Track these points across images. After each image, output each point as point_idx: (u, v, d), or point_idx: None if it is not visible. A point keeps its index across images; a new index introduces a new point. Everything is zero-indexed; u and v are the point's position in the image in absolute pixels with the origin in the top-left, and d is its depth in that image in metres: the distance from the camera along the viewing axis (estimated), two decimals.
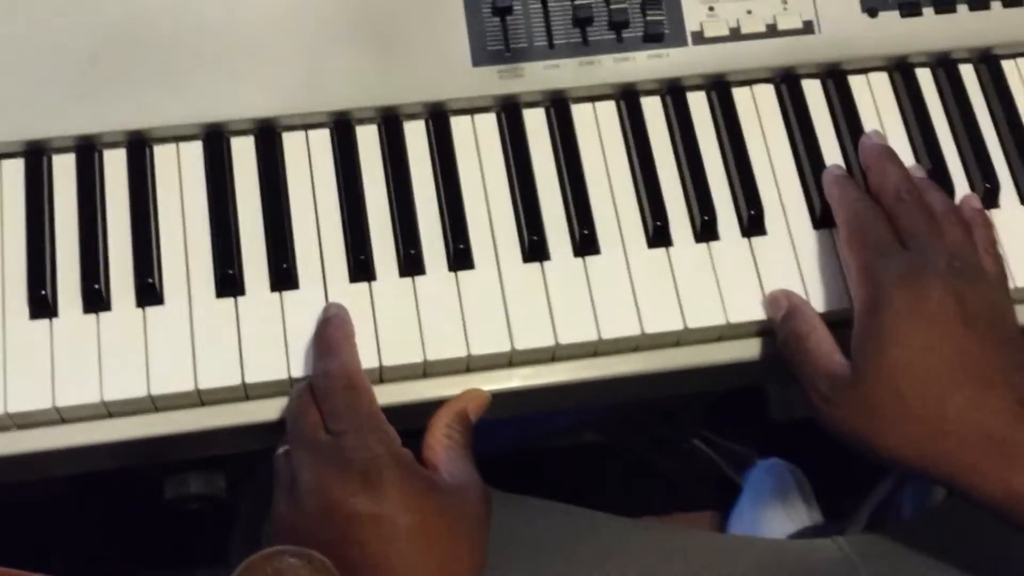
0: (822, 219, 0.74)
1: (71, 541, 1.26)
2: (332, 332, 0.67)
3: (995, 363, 0.64)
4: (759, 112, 0.77)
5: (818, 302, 0.72)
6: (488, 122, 0.75)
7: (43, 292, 0.69)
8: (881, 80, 0.79)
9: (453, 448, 0.67)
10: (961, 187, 0.76)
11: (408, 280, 0.71)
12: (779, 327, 0.70)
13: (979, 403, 0.64)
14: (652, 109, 0.77)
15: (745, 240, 0.74)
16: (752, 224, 0.74)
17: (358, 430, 0.63)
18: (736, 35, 0.77)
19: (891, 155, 0.73)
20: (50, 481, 0.75)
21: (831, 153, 0.76)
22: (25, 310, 0.69)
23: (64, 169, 0.73)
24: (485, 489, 0.66)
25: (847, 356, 0.67)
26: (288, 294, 0.70)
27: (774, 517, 1.33)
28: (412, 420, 0.67)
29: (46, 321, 0.69)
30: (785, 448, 1.36)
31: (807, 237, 0.74)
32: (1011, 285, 0.72)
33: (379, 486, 0.62)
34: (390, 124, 0.74)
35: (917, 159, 0.77)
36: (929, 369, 0.64)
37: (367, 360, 0.68)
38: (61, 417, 0.68)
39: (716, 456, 1.39)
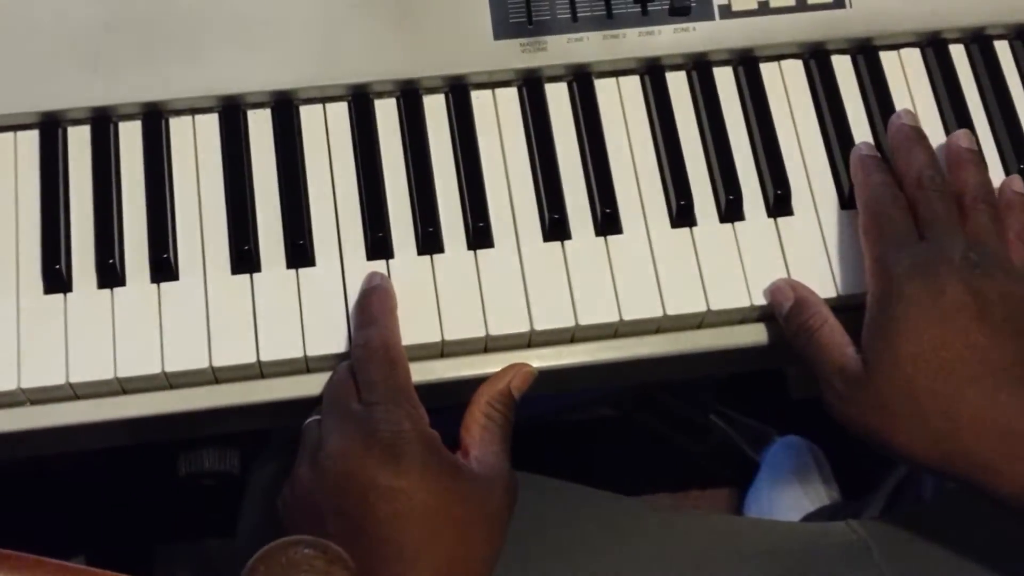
0: (850, 199, 0.72)
1: (84, 516, 1.27)
2: (375, 302, 0.67)
3: (1010, 357, 0.63)
4: (787, 89, 0.76)
5: (846, 285, 0.70)
6: (509, 97, 0.74)
7: (57, 266, 0.68)
8: (913, 56, 0.77)
9: (490, 430, 0.66)
10: (994, 168, 0.74)
11: (426, 258, 0.70)
12: (786, 319, 0.68)
13: (993, 399, 0.62)
14: (677, 85, 0.75)
15: (771, 220, 0.72)
16: (779, 204, 0.72)
17: (389, 403, 0.62)
18: (765, 9, 0.75)
19: (919, 138, 0.71)
20: (64, 456, 0.74)
21: (860, 131, 0.75)
22: (39, 284, 0.68)
23: (79, 141, 0.72)
24: (512, 480, 0.65)
25: (860, 346, 0.65)
26: (304, 271, 0.69)
27: (791, 495, 1.32)
28: (430, 400, 0.66)
29: (60, 296, 0.68)
30: (804, 425, 1.35)
31: (835, 218, 0.72)
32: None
33: (400, 461, 0.61)
34: (409, 98, 0.73)
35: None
36: (942, 365, 0.62)
37: None
38: (75, 393, 0.67)
39: (733, 432, 1.38)
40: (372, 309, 0.66)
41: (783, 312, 0.68)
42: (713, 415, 1.38)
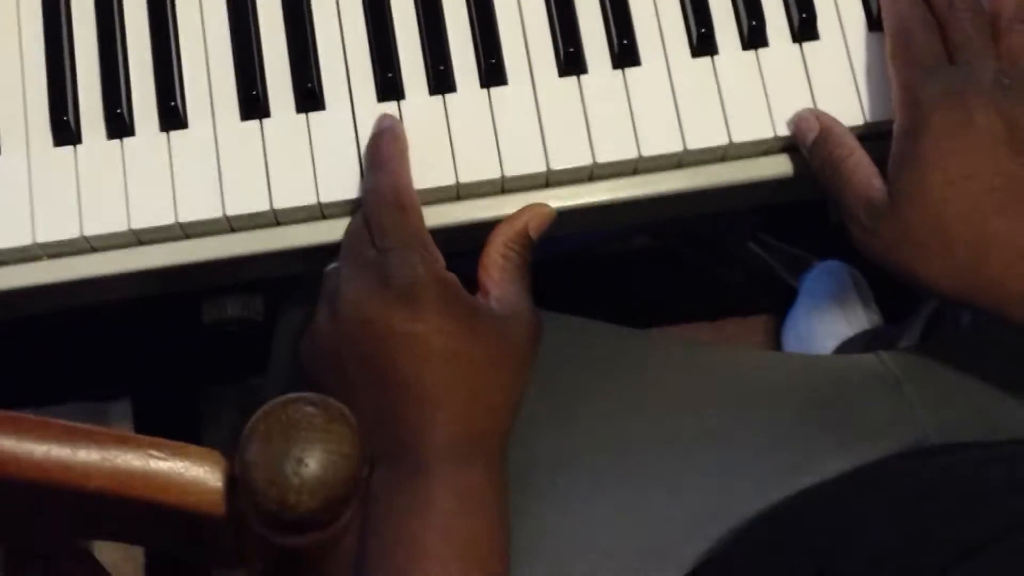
0: (879, 20, 0.69)
1: (124, 360, 1.29)
2: (384, 146, 0.65)
3: None
4: None
5: (874, 112, 0.68)
6: None
7: (65, 118, 0.67)
8: None
9: (508, 270, 0.65)
10: None
11: (438, 98, 0.68)
12: (811, 151, 0.66)
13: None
14: None
15: (796, 46, 0.69)
16: (804, 28, 0.69)
17: (402, 248, 0.62)
18: None
19: None
20: (87, 306, 0.75)
21: None
22: (49, 137, 0.67)
23: None
24: (535, 318, 0.65)
25: (887, 177, 0.63)
26: (314, 115, 0.67)
27: (831, 320, 1.31)
28: (448, 244, 0.66)
29: (70, 148, 0.67)
30: (844, 250, 1.33)
31: (862, 41, 0.69)
32: None
33: (416, 305, 0.61)
34: None
35: None
36: (970, 195, 0.60)
37: None
38: (91, 246, 0.67)
39: (772, 259, 1.37)
40: (381, 153, 0.65)
41: (807, 143, 0.66)
42: (751, 242, 1.37)
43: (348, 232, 0.66)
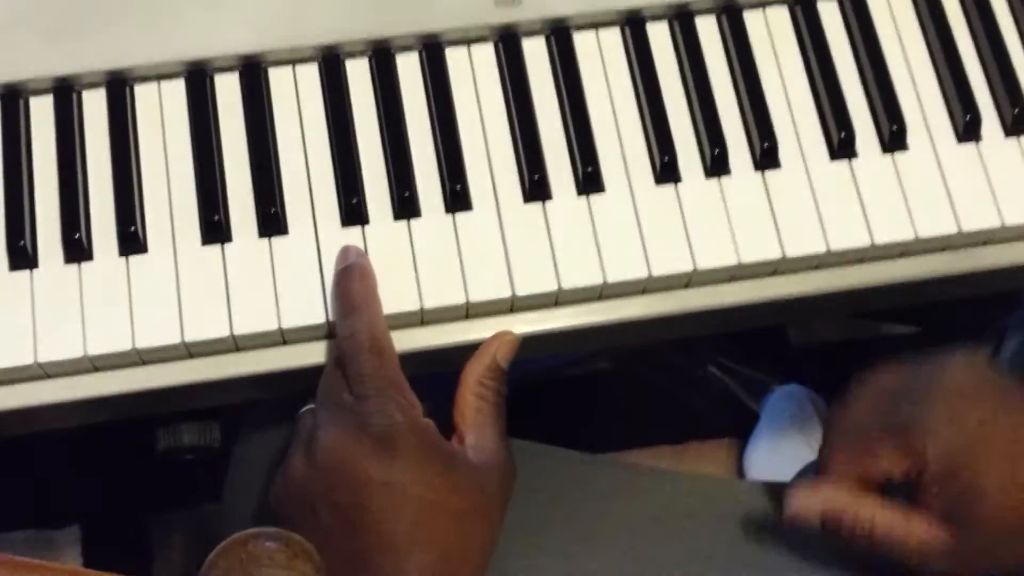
0: (839, 149, 0.70)
1: (75, 488, 1.26)
2: (355, 287, 0.64)
3: None
4: (772, 38, 0.73)
5: (836, 238, 0.68)
6: (485, 53, 0.71)
7: (22, 243, 0.66)
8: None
9: (483, 411, 0.64)
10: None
11: (403, 224, 0.67)
12: (829, 536, 0.64)
13: None
14: (659, 37, 0.72)
15: (758, 174, 0.70)
16: (765, 157, 0.70)
17: (380, 395, 0.61)
18: None
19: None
20: (43, 434, 0.73)
21: (849, 79, 0.72)
22: (4, 261, 0.66)
23: (42, 112, 0.69)
24: (510, 466, 0.64)
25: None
26: (277, 240, 0.67)
27: (792, 445, 1.31)
28: (413, 367, 0.65)
29: (27, 272, 0.66)
30: (804, 374, 1.34)
31: (824, 169, 0.70)
32: (1000, 223, 0.69)
33: (393, 454, 0.60)
34: (381, 58, 0.71)
35: (941, 85, 0.72)
36: None
37: None
38: (45, 372, 0.65)
39: (732, 383, 1.37)
40: (352, 296, 0.64)
41: (818, 530, 0.65)
42: (711, 366, 1.37)
43: (324, 375, 0.65)
